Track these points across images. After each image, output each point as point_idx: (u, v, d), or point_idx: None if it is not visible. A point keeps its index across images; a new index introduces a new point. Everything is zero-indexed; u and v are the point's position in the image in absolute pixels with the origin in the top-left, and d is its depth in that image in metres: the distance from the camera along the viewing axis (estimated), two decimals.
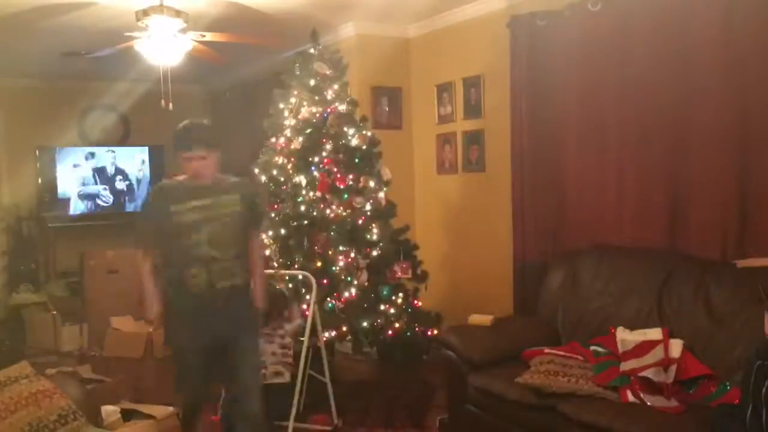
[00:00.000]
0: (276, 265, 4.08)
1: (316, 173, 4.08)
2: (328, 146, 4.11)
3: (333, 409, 3.77)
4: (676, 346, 2.97)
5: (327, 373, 3.75)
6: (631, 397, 2.80)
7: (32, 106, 6.78)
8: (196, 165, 2.85)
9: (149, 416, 3.17)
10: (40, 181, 6.84)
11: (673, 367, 2.90)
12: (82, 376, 3.49)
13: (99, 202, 6.96)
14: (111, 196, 7.02)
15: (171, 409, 3.26)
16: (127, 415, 3.14)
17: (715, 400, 2.72)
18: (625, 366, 2.98)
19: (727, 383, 2.76)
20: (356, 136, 4.20)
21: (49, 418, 2.60)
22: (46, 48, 5.44)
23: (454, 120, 5.03)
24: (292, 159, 4.16)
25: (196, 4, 4.26)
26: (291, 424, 3.45)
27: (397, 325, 4.10)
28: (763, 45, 3.04)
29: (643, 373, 2.87)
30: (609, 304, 3.43)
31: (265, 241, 4.19)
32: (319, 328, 3.72)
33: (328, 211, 4.04)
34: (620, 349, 3.10)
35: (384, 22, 5.18)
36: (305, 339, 3.57)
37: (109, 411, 3.05)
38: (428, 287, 4.37)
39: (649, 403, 2.76)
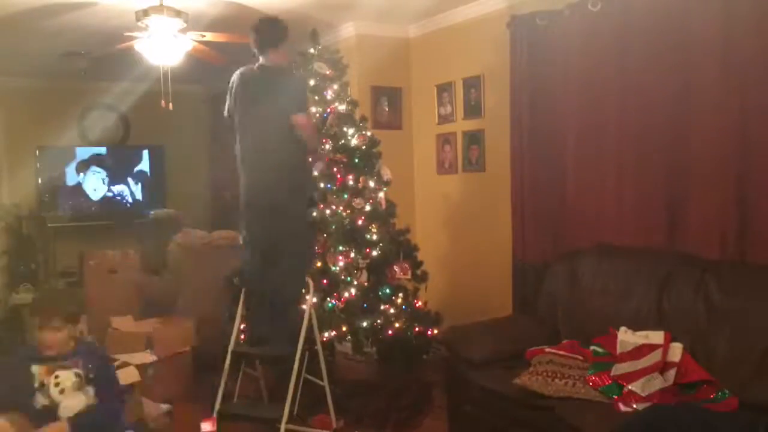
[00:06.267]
0: None
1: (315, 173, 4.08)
2: (328, 146, 4.11)
3: (332, 413, 3.75)
4: (675, 350, 2.96)
5: (325, 376, 3.72)
6: (623, 408, 2.78)
7: (32, 106, 6.79)
8: None
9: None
10: (40, 181, 6.85)
11: (672, 371, 2.89)
12: None
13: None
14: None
15: (163, 407, 3.28)
16: None
17: (710, 403, 2.71)
18: (618, 369, 2.98)
19: (726, 391, 2.76)
20: (356, 136, 4.19)
21: None
22: (46, 48, 5.44)
23: (454, 120, 5.03)
24: None
25: (196, 4, 4.26)
26: (283, 426, 3.42)
27: (397, 325, 4.10)
28: (762, 44, 3.04)
29: (632, 386, 2.85)
30: (609, 304, 3.42)
31: None
32: (316, 330, 3.70)
33: (327, 212, 4.04)
34: (619, 351, 3.10)
35: (384, 22, 5.18)
36: (301, 340, 3.55)
37: None
38: (428, 287, 4.37)
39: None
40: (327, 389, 3.74)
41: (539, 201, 4.13)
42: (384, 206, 4.20)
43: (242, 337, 3.87)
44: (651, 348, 3.00)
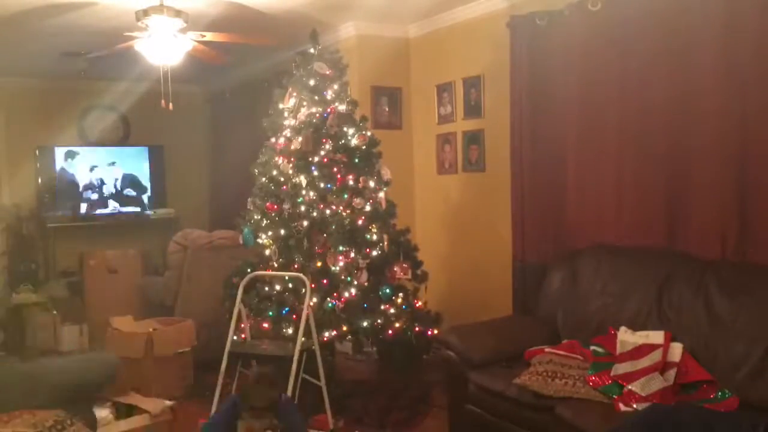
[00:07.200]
0: (276, 265, 4.07)
1: (316, 173, 4.08)
2: (328, 146, 4.11)
3: (329, 413, 3.74)
4: (675, 350, 2.97)
5: (322, 377, 3.71)
6: (623, 408, 2.79)
7: (32, 106, 6.79)
8: None
9: (143, 411, 3.17)
10: (40, 181, 6.85)
11: (672, 371, 2.90)
12: None
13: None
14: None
15: (166, 402, 3.26)
16: (121, 410, 3.15)
17: (710, 403, 2.72)
18: (618, 369, 2.98)
19: (726, 391, 2.76)
20: (356, 136, 4.19)
21: (45, 425, 2.59)
22: (46, 48, 5.44)
23: (454, 120, 5.03)
24: (292, 159, 4.16)
25: (196, 4, 4.26)
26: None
27: (397, 325, 4.10)
28: (762, 45, 3.04)
29: (632, 386, 2.86)
30: (609, 304, 3.43)
31: (265, 241, 4.18)
32: (314, 331, 3.69)
33: (328, 212, 4.04)
34: (618, 350, 3.10)
35: (384, 22, 5.18)
36: (298, 341, 3.54)
37: (103, 414, 3.05)
38: (428, 287, 4.37)
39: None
40: (324, 390, 3.73)
41: (539, 201, 4.13)
42: (384, 206, 4.20)
43: (243, 336, 3.87)
44: (651, 348, 3.00)
